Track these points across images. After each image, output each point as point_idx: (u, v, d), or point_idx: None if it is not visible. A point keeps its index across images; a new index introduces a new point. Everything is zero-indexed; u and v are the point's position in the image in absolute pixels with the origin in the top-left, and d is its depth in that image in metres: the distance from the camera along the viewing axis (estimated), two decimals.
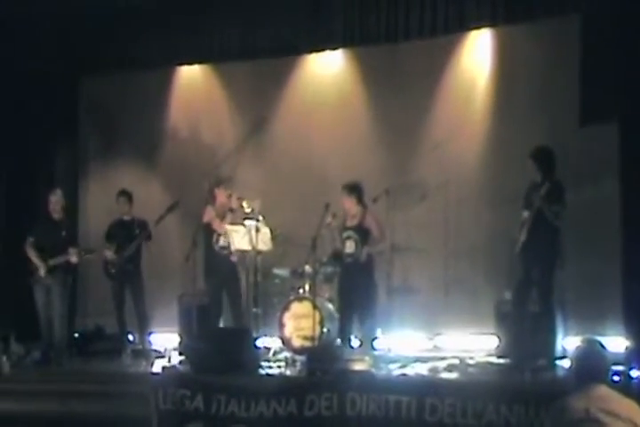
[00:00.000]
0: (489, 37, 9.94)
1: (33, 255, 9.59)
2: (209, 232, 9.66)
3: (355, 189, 9.13)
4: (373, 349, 8.94)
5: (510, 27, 9.75)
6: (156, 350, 9.79)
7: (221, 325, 9.57)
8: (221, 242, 9.65)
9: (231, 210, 9.61)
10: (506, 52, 9.78)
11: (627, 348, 7.46)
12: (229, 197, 9.63)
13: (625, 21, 8.10)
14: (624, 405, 4.48)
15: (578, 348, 4.75)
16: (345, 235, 9.13)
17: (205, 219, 9.67)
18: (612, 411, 4.40)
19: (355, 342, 9.07)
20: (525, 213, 8.09)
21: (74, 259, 9.51)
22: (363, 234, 9.06)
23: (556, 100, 9.26)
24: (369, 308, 8.92)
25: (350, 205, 9.13)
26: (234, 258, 9.63)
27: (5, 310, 10.39)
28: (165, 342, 10.07)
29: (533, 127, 9.25)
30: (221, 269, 9.61)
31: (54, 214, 9.72)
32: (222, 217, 9.68)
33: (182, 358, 8.85)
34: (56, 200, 9.73)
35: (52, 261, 9.48)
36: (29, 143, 11.31)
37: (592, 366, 4.60)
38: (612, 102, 8.30)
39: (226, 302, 9.62)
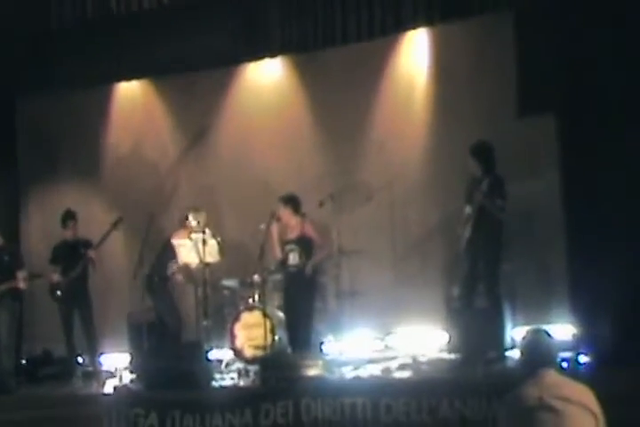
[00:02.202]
0: (425, 37, 9.90)
1: None
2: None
3: (289, 201, 9.13)
4: (324, 353, 8.90)
5: (446, 25, 9.72)
6: (106, 371, 9.65)
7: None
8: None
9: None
10: (443, 50, 9.75)
11: (574, 335, 7.51)
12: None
13: (558, 13, 8.10)
14: (575, 389, 4.49)
15: (524, 338, 4.78)
16: (287, 248, 9.15)
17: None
18: (563, 396, 4.40)
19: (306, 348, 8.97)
20: (468, 209, 8.10)
21: (22, 285, 9.35)
22: (305, 244, 9.10)
23: (493, 94, 9.23)
24: (313, 315, 8.94)
25: (287, 216, 9.14)
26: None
27: None
28: (116, 362, 9.90)
29: (473, 123, 9.23)
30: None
31: None
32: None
33: (134, 376, 8.74)
34: None
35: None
36: None
37: (540, 354, 4.63)
38: (549, 93, 8.30)
39: None
